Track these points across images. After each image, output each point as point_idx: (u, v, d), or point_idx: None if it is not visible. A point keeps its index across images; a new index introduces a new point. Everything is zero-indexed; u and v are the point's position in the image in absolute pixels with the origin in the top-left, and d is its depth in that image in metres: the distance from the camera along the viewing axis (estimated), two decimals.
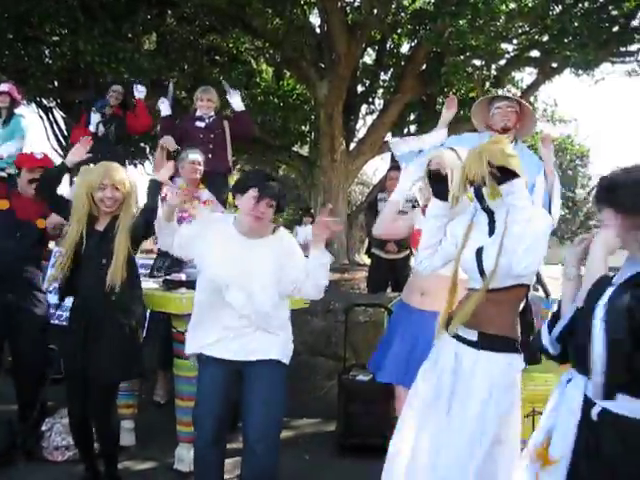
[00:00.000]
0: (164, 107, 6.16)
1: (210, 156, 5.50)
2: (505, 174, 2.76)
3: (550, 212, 4.01)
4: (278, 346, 3.29)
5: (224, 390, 3.29)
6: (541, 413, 4.70)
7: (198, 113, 5.94)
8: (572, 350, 2.29)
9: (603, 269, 2.14)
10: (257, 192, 3.15)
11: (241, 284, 3.19)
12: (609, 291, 2.10)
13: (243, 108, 6.16)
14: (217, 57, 12.05)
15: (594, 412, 2.15)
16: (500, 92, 4.36)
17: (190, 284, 4.15)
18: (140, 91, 6.57)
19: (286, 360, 3.33)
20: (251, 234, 3.27)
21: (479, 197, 2.87)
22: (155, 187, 3.98)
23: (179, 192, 3.52)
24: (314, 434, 5.18)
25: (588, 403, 2.19)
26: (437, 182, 3.04)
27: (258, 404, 3.21)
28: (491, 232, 2.90)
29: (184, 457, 4.18)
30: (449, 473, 2.80)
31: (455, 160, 3.36)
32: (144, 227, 3.69)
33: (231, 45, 12.08)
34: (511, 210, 2.80)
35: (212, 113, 5.95)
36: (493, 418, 2.79)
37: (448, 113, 4.42)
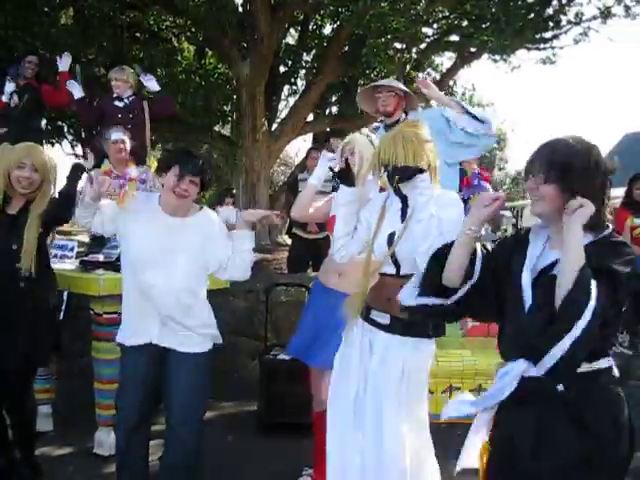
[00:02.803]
0: (75, 90, 6.03)
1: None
2: (409, 171, 2.83)
3: (478, 118, 4.19)
4: (201, 336, 3.27)
5: (147, 374, 3.26)
6: (458, 388, 4.90)
7: (115, 93, 5.85)
8: (508, 329, 2.24)
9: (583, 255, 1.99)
10: (179, 170, 3.12)
11: (163, 263, 3.16)
12: (531, 255, 2.11)
13: (158, 88, 6.14)
14: (137, 34, 11.76)
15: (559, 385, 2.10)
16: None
17: (108, 265, 4.09)
18: (64, 63, 6.33)
19: (209, 346, 3.32)
20: (175, 213, 3.23)
21: (392, 181, 2.88)
22: (76, 173, 3.85)
23: (103, 181, 3.40)
24: (237, 414, 5.21)
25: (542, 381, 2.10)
26: (346, 170, 3.08)
27: (181, 387, 3.20)
28: (403, 217, 2.93)
29: (104, 441, 4.14)
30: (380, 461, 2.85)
31: (367, 145, 3.42)
32: (59, 214, 3.60)
33: (152, 22, 11.82)
34: (417, 203, 2.87)
35: (130, 93, 5.87)
36: (406, 401, 2.85)
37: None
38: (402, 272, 2.87)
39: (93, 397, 4.25)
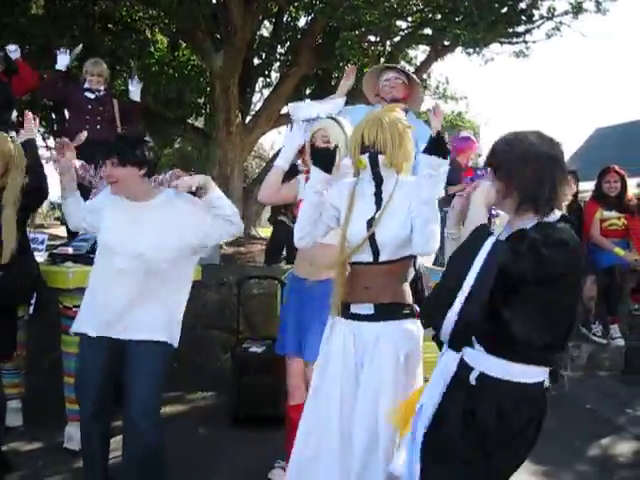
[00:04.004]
0: (62, 60, 5.91)
1: (99, 127, 5.42)
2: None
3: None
4: (165, 325, 3.26)
5: (106, 363, 3.25)
6: (426, 380, 4.93)
7: (87, 85, 5.79)
8: None
9: (483, 217, 2.21)
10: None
11: (130, 247, 3.15)
12: (488, 243, 2.18)
13: (138, 100, 6.10)
14: (109, 25, 11.62)
15: (472, 376, 2.24)
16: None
17: (78, 258, 4.06)
18: (13, 50, 6.21)
19: (172, 341, 3.30)
20: (133, 197, 3.24)
21: (373, 163, 2.87)
22: (31, 147, 3.73)
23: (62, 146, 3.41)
24: (209, 407, 5.21)
25: (467, 368, 2.28)
26: (321, 155, 3.02)
27: (140, 380, 3.18)
28: (378, 202, 2.90)
29: (73, 435, 4.10)
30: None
31: (340, 133, 3.41)
32: (35, 193, 3.62)
33: (124, 13, 11.67)
34: (394, 188, 2.86)
35: (102, 88, 5.83)
36: (403, 390, 2.79)
37: (346, 82, 4.48)
38: (381, 259, 2.85)
39: (63, 392, 4.21)
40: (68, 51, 6.00)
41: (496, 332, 2.18)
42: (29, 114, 3.74)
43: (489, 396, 2.22)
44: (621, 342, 6.30)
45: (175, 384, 4.59)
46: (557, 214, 2.27)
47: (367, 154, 2.86)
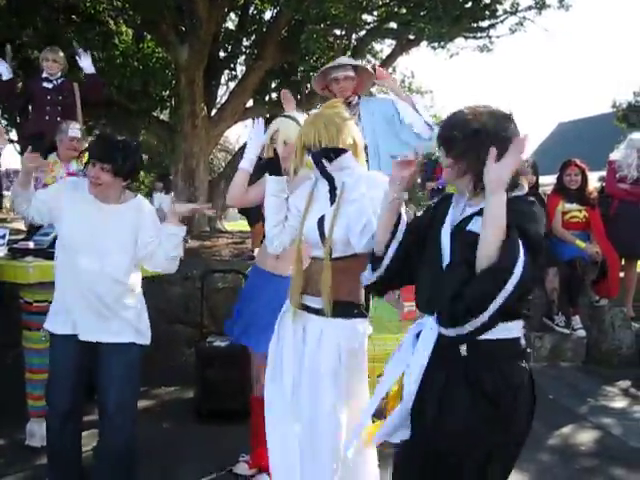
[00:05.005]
0: (4, 70, 5.83)
1: (59, 119, 5.32)
2: (333, 152, 2.81)
3: (426, 121, 4.33)
4: (135, 326, 3.25)
5: (77, 362, 3.22)
6: None
7: (44, 74, 5.71)
8: (418, 284, 2.32)
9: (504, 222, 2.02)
10: (88, 157, 3.11)
11: (94, 247, 3.12)
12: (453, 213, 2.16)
13: (94, 71, 6.00)
14: (73, 16, 11.44)
15: (463, 348, 2.13)
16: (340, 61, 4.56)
17: (39, 252, 4.01)
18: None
19: (143, 341, 3.29)
20: (105, 199, 3.20)
21: (318, 163, 2.86)
22: None
23: (32, 157, 3.36)
24: (173, 402, 5.18)
25: (452, 340, 2.13)
26: (268, 166, 3.08)
27: (114, 376, 3.17)
28: (332, 200, 2.91)
29: (36, 432, 4.06)
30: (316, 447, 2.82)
31: (298, 131, 3.40)
32: None
33: (88, 4, 11.50)
34: (347, 184, 2.85)
35: (59, 74, 5.74)
36: (346, 386, 2.82)
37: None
38: (334, 255, 2.86)
39: (25, 388, 4.16)
40: (5, 60, 5.92)
41: None
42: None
43: (484, 361, 2.12)
44: (582, 333, 6.41)
45: (139, 379, 4.55)
46: (525, 187, 2.19)
47: (310, 154, 2.87)
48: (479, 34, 11.46)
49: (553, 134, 32.51)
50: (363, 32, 11.49)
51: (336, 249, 2.85)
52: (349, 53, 11.21)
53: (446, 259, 2.15)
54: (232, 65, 12.99)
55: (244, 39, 12.49)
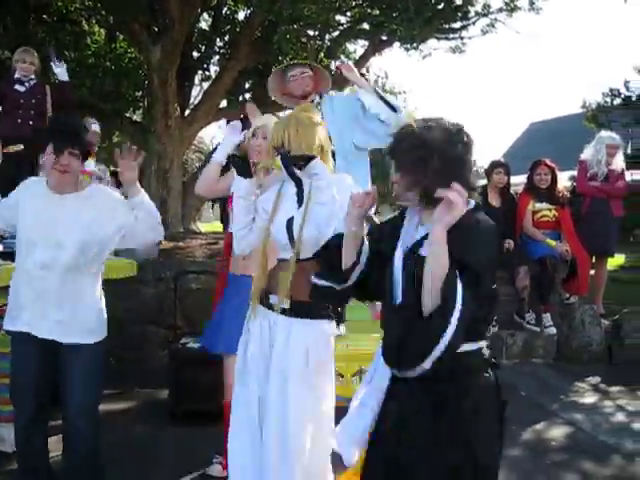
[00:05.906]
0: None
1: (31, 122, 5.27)
2: (302, 160, 2.82)
3: (391, 105, 4.33)
4: (93, 325, 3.20)
5: (39, 364, 3.16)
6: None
7: (17, 75, 5.63)
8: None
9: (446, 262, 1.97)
10: (54, 145, 3.05)
11: (49, 240, 3.07)
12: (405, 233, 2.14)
13: (67, 79, 5.93)
14: (44, 16, 11.33)
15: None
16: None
17: (7, 256, 3.97)
18: None
19: (98, 337, 3.22)
20: (62, 190, 3.14)
21: (286, 164, 2.87)
22: None
23: None
24: (146, 404, 5.16)
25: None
26: (237, 165, 3.08)
27: (76, 378, 3.12)
28: (300, 202, 2.93)
29: (5, 437, 4.00)
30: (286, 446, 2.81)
31: None
32: None
33: (60, 4, 11.39)
34: (317, 187, 2.86)
35: (32, 76, 5.66)
36: (314, 386, 2.84)
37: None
38: (302, 256, 2.87)
39: None
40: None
41: None
42: None
43: (448, 375, 2.05)
44: (553, 330, 6.48)
45: (112, 381, 4.52)
46: (472, 202, 2.11)
47: (279, 156, 2.88)
48: (451, 35, 11.55)
49: (525, 133, 32.81)
50: (336, 33, 11.53)
51: (304, 250, 2.87)
52: (322, 54, 11.26)
53: (397, 295, 2.11)
54: (205, 65, 12.97)
55: (217, 39, 12.46)
